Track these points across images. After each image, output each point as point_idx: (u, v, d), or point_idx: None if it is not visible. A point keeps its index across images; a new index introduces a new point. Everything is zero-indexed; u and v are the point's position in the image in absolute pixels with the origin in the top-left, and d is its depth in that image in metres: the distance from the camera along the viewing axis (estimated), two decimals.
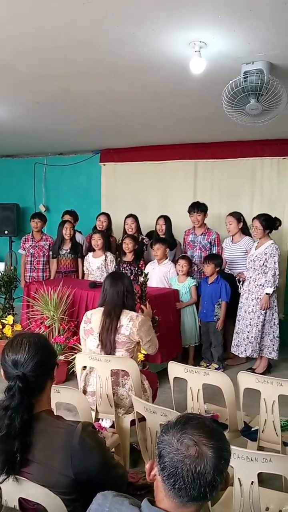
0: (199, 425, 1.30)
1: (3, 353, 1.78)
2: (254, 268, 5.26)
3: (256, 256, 5.25)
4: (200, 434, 1.27)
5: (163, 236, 6.23)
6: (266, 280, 5.18)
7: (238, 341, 5.36)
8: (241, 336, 5.32)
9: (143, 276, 4.72)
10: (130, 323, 3.20)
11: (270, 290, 5.14)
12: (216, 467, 1.24)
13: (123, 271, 5.77)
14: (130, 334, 3.20)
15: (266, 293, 5.15)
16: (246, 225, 5.86)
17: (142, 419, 2.71)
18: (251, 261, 5.30)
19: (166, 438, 1.29)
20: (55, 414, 1.88)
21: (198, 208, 6.01)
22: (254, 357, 5.36)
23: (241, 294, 5.43)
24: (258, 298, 5.22)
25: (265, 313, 5.20)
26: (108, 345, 3.20)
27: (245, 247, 5.70)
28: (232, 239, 5.91)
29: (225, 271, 5.68)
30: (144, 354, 4.52)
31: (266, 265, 5.19)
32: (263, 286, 5.20)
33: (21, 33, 3.21)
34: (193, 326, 5.68)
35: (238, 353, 5.40)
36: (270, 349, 5.27)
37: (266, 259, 5.18)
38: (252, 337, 5.23)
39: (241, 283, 5.46)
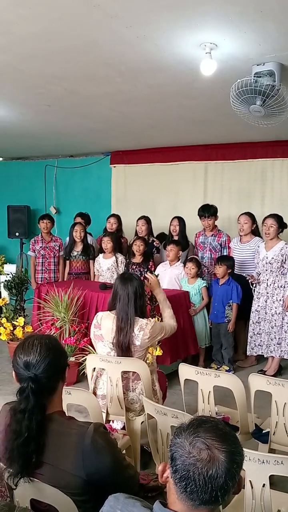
0: (212, 429, 1.29)
1: (14, 355, 1.78)
2: (271, 270, 5.24)
3: (273, 258, 5.22)
4: (212, 438, 1.26)
5: (177, 237, 6.24)
6: (286, 281, 5.18)
7: (261, 341, 5.34)
8: (265, 337, 5.29)
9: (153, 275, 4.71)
10: (140, 333, 3.15)
11: None
12: (228, 471, 1.23)
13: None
14: (141, 344, 3.17)
15: None
16: (257, 226, 5.85)
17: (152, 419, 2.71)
18: (266, 263, 5.27)
19: (179, 441, 1.29)
20: (67, 415, 1.89)
21: (208, 212, 5.99)
22: (285, 357, 5.31)
23: (256, 297, 5.40)
24: (280, 300, 5.20)
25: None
26: (123, 347, 3.16)
27: (254, 247, 5.68)
28: (241, 239, 5.89)
29: (235, 272, 5.65)
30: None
31: (284, 266, 5.18)
32: (283, 287, 5.19)
33: (29, 35, 3.22)
34: (204, 327, 5.67)
35: (262, 353, 5.38)
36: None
37: (283, 260, 5.17)
38: (280, 338, 5.22)
39: (254, 286, 5.42)
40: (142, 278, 5.74)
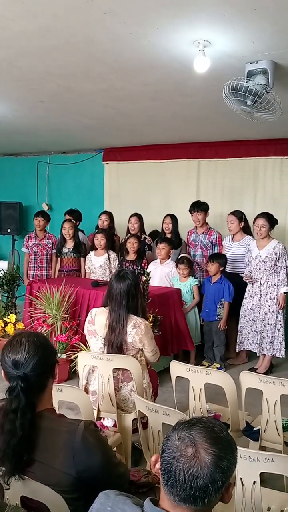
0: (207, 429, 1.28)
1: (2, 353, 1.77)
2: (265, 269, 5.25)
3: (266, 256, 5.23)
4: (203, 438, 1.25)
5: (169, 235, 6.24)
6: (279, 280, 5.19)
7: (252, 339, 5.36)
8: (257, 336, 5.31)
9: (145, 275, 4.72)
10: (133, 331, 3.15)
11: (286, 289, 5.17)
12: (211, 474, 1.21)
13: None
14: (133, 342, 3.17)
15: (284, 292, 5.17)
16: (247, 224, 5.86)
17: (145, 424, 2.71)
18: (260, 262, 5.29)
19: (171, 434, 1.30)
20: (57, 412, 1.88)
21: (198, 207, 6.02)
22: (278, 356, 5.33)
23: (248, 295, 5.41)
24: (274, 298, 5.22)
25: (283, 312, 5.23)
26: (115, 347, 3.16)
27: (246, 246, 5.69)
28: (233, 237, 5.90)
29: (226, 270, 5.66)
30: None
31: (277, 265, 5.20)
32: (277, 286, 5.21)
33: (24, 31, 3.20)
34: (195, 325, 5.68)
35: (252, 349, 5.42)
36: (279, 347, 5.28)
37: (277, 259, 5.19)
38: (273, 336, 5.24)
39: (252, 284, 5.42)
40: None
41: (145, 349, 3.28)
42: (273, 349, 5.25)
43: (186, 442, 1.24)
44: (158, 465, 1.31)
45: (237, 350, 5.60)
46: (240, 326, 5.48)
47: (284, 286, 5.18)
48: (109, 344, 3.18)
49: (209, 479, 1.21)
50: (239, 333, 5.49)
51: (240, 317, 5.47)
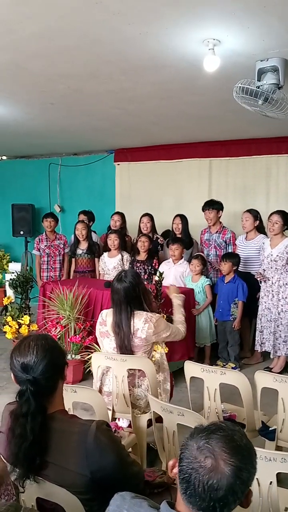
0: (226, 438, 1.24)
1: (11, 357, 1.77)
2: (276, 268, 5.20)
3: (278, 255, 5.19)
4: (223, 448, 1.22)
5: (180, 236, 6.23)
6: None
7: (266, 339, 5.32)
8: (271, 336, 5.26)
9: (157, 275, 4.71)
10: (145, 326, 3.14)
11: None
12: (231, 485, 1.19)
13: (137, 270, 5.77)
14: (147, 337, 3.16)
15: None
16: (262, 223, 5.82)
17: (159, 418, 2.71)
18: (271, 261, 5.24)
19: (189, 442, 1.26)
20: (70, 413, 1.88)
21: (210, 206, 5.99)
22: None
23: (264, 294, 5.37)
24: (286, 297, 5.17)
25: None
26: (124, 349, 3.17)
27: (259, 244, 5.66)
28: (246, 236, 5.86)
29: (239, 269, 5.64)
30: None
31: None
32: None
33: (32, 34, 3.22)
34: (208, 325, 5.66)
35: (270, 351, 5.34)
36: None
37: None
38: (286, 336, 5.19)
39: (261, 283, 5.39)
40: (146, 276, 5.79)
41: (166, 338, 3.28)
42: (287, 348, 5.20)
43: (205, 453, 1.21)
44: (175, 470, 1.29)
45: (259, 351, 5.50)
46: (261, 326, 5.38)
47: None
48: (119, 347, 3.19)
49: (228, 490, 1.19)
50: (259, 333, 5.40)
51: (259, 317, 5.41)
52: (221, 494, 1.18)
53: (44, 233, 7.00)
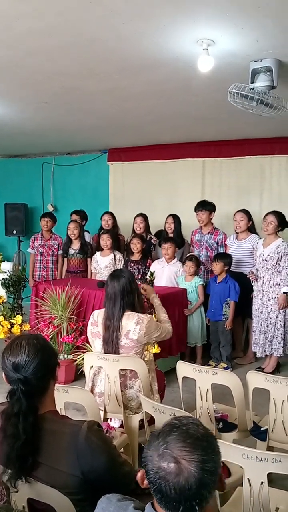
0: (182, 436, 1.24)
1: (2, 357, 1.76)
2: (267, 268, 5.21)
3: (269, 255, 5.20)
4: (181, 448, 1.22)
5: (172, 235, 6.22)
6: (281, 279, 5.14)
7: (262, 340, 5.33)
8: (265, 336, 5.27)
9: (149, 274, 4.71)
10: (137, 327, 3.15)
11: (287, 289, 5.11)
12: (200, 480, 1.19)
13: (131, 270, 5.77)
14: (138, 338, 3.17)
15: (284, 292, 5.11)
16: (253, 224, 5.83)
17: (151, 421, 2.71)
18: (262, 260, 5.25)
19: (149, 453, 1.26)
20: (61, 414, 1.87)
21: (203, 207, 5.99)
22: (276, 355, 5.29)
23: (255, 295, 5.39)
24: (275, 297, 5.18)
25: (284, 312, 5.17)
26: (110, 344, 3.18)
27: (251, 244, 5.67)
28: (237, 236, 5.87)
29: (232, 269, 5.64)
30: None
31: (279, 264, 5.15)
32: (278, 285, 5.16)
33: (27, 31, 3.20)
34: (200, 325, 5.66)
35: (259, 353, 5.36)
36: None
37: (279, 258, 5.14)
38: (272, 336, 5.20)
39: (254, 283, 5.40)
40: (140, 275, 5.78)
41: (157, 338, 3.31)
42: (271, 348, 5.22)
43: (167, 459, 1.21)
44: (146, 482, 1.28)
45: (256, 352, 5.47)
46: (254, 327, 5.41)
47: (284, 286, 5.10)
48: (105, 341, 3.19)
49: (199, 485, 1.19)
50: (253, 333, 5.42)
51: (253, 317, 5.42)
52: (193, 492, 1.19)
53: (40, 232, 7.01)
